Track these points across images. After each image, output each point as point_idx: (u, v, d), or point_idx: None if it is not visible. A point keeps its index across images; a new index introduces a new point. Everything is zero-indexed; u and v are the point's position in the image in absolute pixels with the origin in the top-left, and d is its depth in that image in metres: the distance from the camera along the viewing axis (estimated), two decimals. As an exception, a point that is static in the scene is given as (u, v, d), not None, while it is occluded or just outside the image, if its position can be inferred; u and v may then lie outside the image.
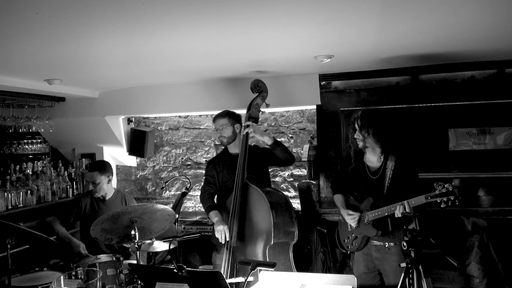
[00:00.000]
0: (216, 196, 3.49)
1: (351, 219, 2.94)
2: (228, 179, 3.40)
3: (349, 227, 3.02)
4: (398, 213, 2.67)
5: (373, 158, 2.96)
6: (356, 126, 2.91)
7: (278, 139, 3.51)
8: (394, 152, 2.88)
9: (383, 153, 2.90)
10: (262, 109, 3.39)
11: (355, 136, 2.91)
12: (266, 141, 3.27)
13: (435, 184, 2.55)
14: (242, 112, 3.51)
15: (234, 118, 3.44)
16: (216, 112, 3.58)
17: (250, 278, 2.33)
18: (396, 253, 2.82)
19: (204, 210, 3.43)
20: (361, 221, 2.92)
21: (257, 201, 3.12)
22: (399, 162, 2.85)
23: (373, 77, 4.23)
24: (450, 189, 2.50)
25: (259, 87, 3.36)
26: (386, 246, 2.85)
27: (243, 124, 3.35)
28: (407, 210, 2.63)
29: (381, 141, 2.85)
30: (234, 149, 3.45)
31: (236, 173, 3.21)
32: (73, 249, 3.62)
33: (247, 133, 3.28)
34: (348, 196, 3.10)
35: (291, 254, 3.13)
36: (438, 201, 2.53)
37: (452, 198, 2.49)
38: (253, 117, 3.34)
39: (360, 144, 2.90)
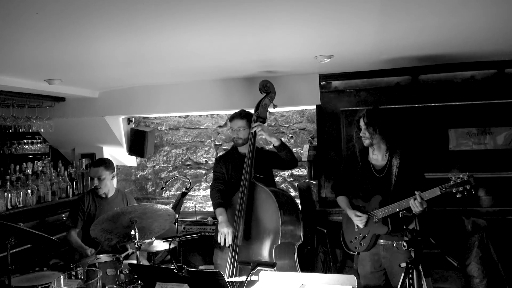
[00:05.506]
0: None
1: (359, 220, 2.93)
2: (235, 177, 3.41)
3: (356, 227, 3.01)
4: (414, 209, 2.65)
5: (378, 156, 2.97)
6: (361, 124, 2.92)
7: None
8: (398, 150, 2.90)
9: (388, 150, 2.92)
10: (269, 109, 3.41)
11: (361, 134, 2.93)
12: (274, 142, 3.29)
13: (449, 175, 2.57)
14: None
15: (251, 120, 3.43)
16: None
17: (254, 277, 2.33)
18: (404, 252, 2.81)
19: (212, 205, 3.43)
20: (369, 220, 2.92)
21: (265, 201, 3.12)
22: (404, 159, 2.87)
23: (373, 77, 4.23)
24: (465, 179, 2.51)
25: (267, 88, 3.40)
26: (394, 245, 2.85)
27: (252, 125, 3.35)
28: (421, 203, 2.62)
29: (387, 139, 2.88)
30: (244, 149, 3.45)
31: (243, 172, 3.22)
32: (83, 254, 3.61)
33: (255, 132, 3.30)
34: (352, 197, 3.09)
35: (296, 255, 3.14)
36: (454, 191, 2.54)
37: (468, 187, 2.50)
38: (261, 117, 3.36)
39: (366, 142, 2.91)
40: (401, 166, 2.86)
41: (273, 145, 3.33)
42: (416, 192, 2.66)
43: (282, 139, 4.90)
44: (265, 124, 3.45)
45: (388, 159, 2.92)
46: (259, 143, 3.87)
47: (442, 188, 2.59)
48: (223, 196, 3.38)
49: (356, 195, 3.07)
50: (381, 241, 2.92)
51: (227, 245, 3.12)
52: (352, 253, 3.10)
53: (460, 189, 2.52)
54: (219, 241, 3.14)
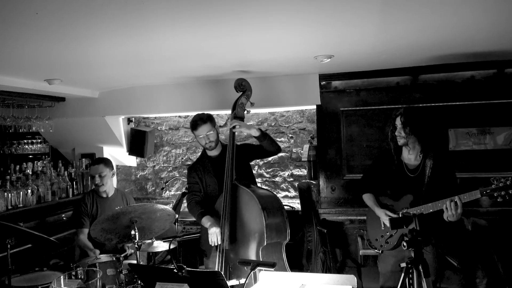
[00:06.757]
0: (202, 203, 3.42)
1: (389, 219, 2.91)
2: (211, 183, 3.37)
3: (382, 225, 2.99)
4: (448, 212, 2.62)
5: (411, 156, 2.96)
6: (397, 123, 2.91)
7: (277, 138, 3.47)
8: (432, 151, 2.89)
9: (423, 151, 2.91)
10: (247, 108, 3.35)
11: (396, 133, 2.92)
12: (253, 133, 3.22)
13: (491, 178, 2.54)
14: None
15: (213, 121, 3.40)
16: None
17: (242, 281, 2.31)
18: (430, 252, 2.81)
19: (195, 219, 3.38)
20: None
21: (248, 202, 3.08)
22: (438, 161, 2.86)
23: (373, 77, 4.24)
24: (509, 183, 2.48)
25: (243, 86, 3.32)
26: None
27: (228, 126, 3.29)
28: (459, 205, 2.60)
29: (422, 140, 2.88)
30: (213, 151, 3.42)
31: (225, 175, 3.17)
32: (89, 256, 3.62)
33: (233, 133, 3.25)
34: (380, 195, 3.07)
35: (284, 254, 3.10)
36: (495, 195, 2.51)
37: (511, 191, 2.47)
38: (238, 117, 3.29)
39: (401, 141, 2.90)
40: (434, 167, 2.85)
41: (254, 136, 3.26)
42: (457, 196, 2.62)
43: (282, 139, 4.94)
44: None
45: (422, 159, 2.91)
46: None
47: (483, 192, 2.55)
48: (202, 206, 3.34)
49: (384, 193, 3.06)
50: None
51: (218, 243, 3.10)
52: (376, 251, 3.09)
53: (502, 193, 2.49)
54: (210, 242, 3.12)
